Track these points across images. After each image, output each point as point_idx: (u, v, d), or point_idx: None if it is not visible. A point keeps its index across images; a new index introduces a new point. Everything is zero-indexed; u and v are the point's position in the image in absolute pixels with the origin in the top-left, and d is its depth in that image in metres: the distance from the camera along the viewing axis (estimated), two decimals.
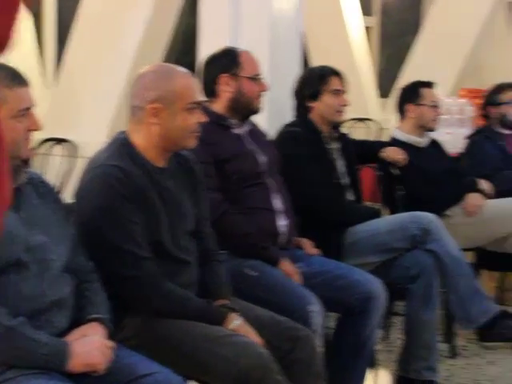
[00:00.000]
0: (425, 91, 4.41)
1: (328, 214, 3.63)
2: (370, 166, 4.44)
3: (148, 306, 2.49)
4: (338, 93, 3.79)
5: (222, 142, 3.21)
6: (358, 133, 8.15)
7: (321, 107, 3.79)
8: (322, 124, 3.80)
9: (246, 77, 3.31)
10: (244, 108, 3.32)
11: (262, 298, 2.87)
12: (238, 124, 3.33)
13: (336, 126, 3.90)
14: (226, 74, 3.31)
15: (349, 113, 4.38)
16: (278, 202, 3.26)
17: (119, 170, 2.45)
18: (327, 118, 3.80)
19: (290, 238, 3.30)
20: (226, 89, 3.31)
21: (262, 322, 2.59)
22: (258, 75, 3.34)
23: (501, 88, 4.93)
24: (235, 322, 2.50)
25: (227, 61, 3.33)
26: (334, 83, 3.79)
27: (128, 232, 2.45)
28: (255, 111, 3.37)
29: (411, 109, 4.40)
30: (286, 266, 3.12)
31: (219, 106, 3.32)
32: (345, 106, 3.81)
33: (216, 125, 3.23)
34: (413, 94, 4.42)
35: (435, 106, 4.40)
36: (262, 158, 3.28)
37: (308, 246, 3.39)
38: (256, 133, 3.40)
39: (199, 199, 2.73)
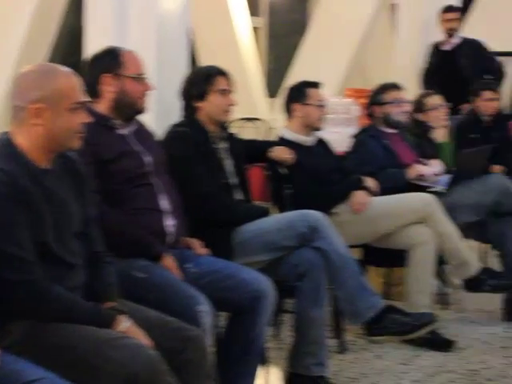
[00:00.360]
0: (311, 91, 4.46)
1: (216, 213, 3.63)
2: (259, 166, 4.46)
3: (35, 311, 2.43)
4: (225, 92, 3.79)
5: (106, 142, 3.16)
6: (247, 132, 8.18)
7: (208, 107, 3.79)
8: (210, 124, 3.80)
9: (128, 76, 3.26)
10: (128, 108, 3.28)
11: (151, 300, 2.85)
12: (123, 124, 3.29)
13: (224, 125, 3.91)
14: (108, 74, 3.26)
15: (237, 113, 4.39)
16: (165, 203, 3.24)
17: (1, 172, 2.39)
18: (214, 118, 3.80)
19: (179, 238, 3.29)
20: (109, 89, 3.26)
21: (151, 324, 2.57)
22: (141, 75, 3.30)
23: (384, 88, 5.03)
24: (124, 325, 2.48)
25: (109, 60, 3.27)
26: (221, 83, 3.79)
27: (12, 234, 2.38)
28: (140, 111, 3.33)
29: (298, 108, 4.45)
30: (168, 262, 3.11)
31: (103, 107, 3.27)
32: (232, 105, 3.82)
33: (100, 125, 3.18)
34: (299, 93, 4.47)
35: (321, 106, 4.46)
36: (148, 159, 3.25)
37: (197, 246, 3.38)
38: (142, 133, 3.37)
39: (85, 200, 2.69)
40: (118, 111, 3.26)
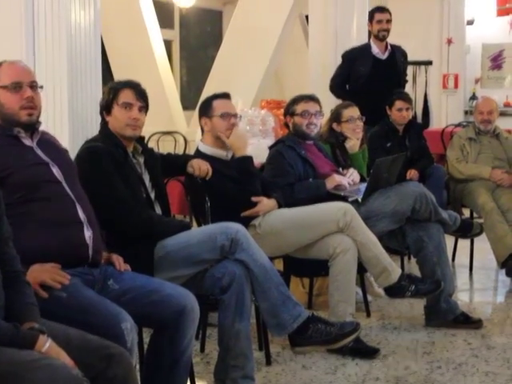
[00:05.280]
0: (216, 103, 4.41)
1: (136, 228, 3.56)
2: (177, 179, 4.42)
3: None
4: (128, 106, 3.71)
5: (12, 154, 3.08)
6: (166, 146, 8.14)
7: (112, 121, 3.73)
8: (121, 138, 3.74)
9: (2, 87, 3.15)
10: (10, 120, 3.15)
11: (74, 319, 2.77)
12: (27, 135, 3.19)
13: (140, 139, 3.85)
14: None
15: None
16: (81, 213, 3.16)
17: None
18: (119, 132, 3.73)
19: (97, 249, 3.20)
20: None
21: (73, 343, 2.51)
22: (17, 83, 3.15)
23: (296, 99, 5.06)
24: (45, 345, 2.41)
25: None
26: (124, 96, 3.71)
27: None
28: (24, 122, 3.17)
29: (205, 122, 4.43)
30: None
31: None
32: (135, 119, 3.71)
33: (3, 136, 3.11)
34: (206, 107, 4.44)
35: (225, 116, 4.41)
36: (56, 168, 3.17)
37: (118, 262, 3.32)
38: (47, 142, 3.28)
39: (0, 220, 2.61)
40: (5, 123, 3.16)
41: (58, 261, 2.99)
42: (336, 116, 5.47)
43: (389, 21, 6.90)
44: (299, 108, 4.99)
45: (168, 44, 11.01)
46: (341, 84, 7.02)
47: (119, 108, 3.71)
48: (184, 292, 3.20)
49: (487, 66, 12.66)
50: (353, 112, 5.46)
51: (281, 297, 3.74)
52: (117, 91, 3.72)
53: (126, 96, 3.72)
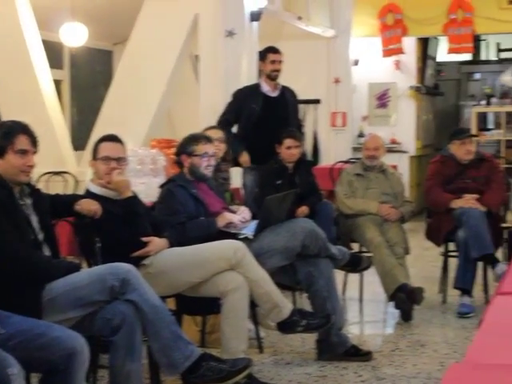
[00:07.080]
0: (101, 146, 4.40)
1: (24, 271, 3.51)
2: (66, 220, 4.37)
3: None
4: (24, 153, 3.68)
5: None
6: (55, 186, 8.02)
7: (4, 166, 3.67)
8: (11, 182, 3.69)
9: None
10: None
11: None
12: None
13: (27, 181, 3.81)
14: None
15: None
16: None
17: None
18: (10, 178, 3.68)
19: None
20: None
21: None
22: None
23: (194, 139, 5.04)
24: None
25: None
26: (20, 142, 3.67)
27: None
28: None
29: (91, 164, 4.43)
30: None
31: None
32: (30, 167, 3.70)
33: None
34: (93, 150, 4.44)
35: (106, 160, 4.38)
36: None
37: None
38: None
39: None
40: None
41: None
42: None
43: (281, 61, 7.00)
44: (199, 149, 4.98)
45: (58, 84, 10.91)
46: (231, 121, 7.04)
47: (14, 155, 3.66)
48: (73, 334, 3.18)
49: (374, 104, 13.02)
50: (212, 133, 5.57)
51: (172, 336, 3.73)
52: (12, 136, 3.66)
53: (22, 143, 3.67)
